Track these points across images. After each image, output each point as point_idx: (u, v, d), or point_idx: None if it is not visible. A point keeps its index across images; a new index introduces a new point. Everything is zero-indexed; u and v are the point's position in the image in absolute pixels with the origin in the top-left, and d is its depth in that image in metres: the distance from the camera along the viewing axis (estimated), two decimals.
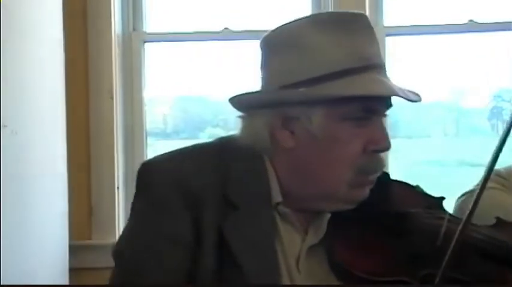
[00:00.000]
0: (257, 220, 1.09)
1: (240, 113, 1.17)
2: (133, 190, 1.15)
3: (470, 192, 1.43)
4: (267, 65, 1.16)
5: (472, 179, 1.43)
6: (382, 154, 1.13)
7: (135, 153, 2.41)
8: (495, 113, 2.63)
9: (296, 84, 1.09)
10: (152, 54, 2.48)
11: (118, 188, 2.34)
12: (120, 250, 1.12)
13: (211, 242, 1.06)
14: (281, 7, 2.41)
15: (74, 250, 2.18)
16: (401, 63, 2.37)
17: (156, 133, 2.60)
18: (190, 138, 2.64)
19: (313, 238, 1.14)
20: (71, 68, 2.18)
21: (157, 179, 1.10)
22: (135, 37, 2.43)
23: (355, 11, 1.13)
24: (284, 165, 1.13)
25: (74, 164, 2.20)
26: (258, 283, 1.05)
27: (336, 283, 1.09)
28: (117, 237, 2.30)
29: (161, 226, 1.08)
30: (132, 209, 1.14)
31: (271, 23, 1.20)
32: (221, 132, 2.61)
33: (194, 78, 2.53)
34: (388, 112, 1.16)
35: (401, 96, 1.09)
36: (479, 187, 1.08)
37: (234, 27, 2.41)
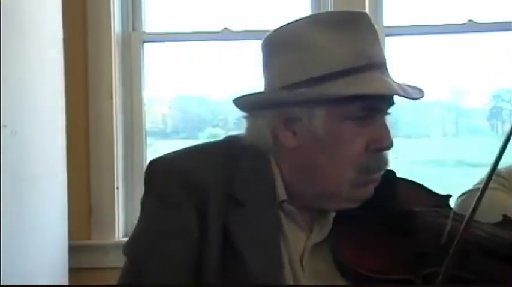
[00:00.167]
0: (262, 217, 1.10)
1: (244, 114, 1.18)
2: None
3: (470, 192, 1.42)
4: (268, 66, 1.16)
5: (472, 179, 1.43)
6: (385, 152, 1.13)
7: (134, 153, 2.41)
8: (495, 113, 2.63)
9: (297, 85, 1.09)
10: (151, 54, 2.47)
11: (117, 188, 2.33)
12: (131, 246, 1.13)
13: (217, 239, 1.07)
14: (281, 7, 2.41)
15: (74, 250, 2.17)
16: (401, 63, 2.36)
17: (155, 133, 2.60)
18: (189, 138, 2.64)
19: (317, 236, 1.14)
20: (70, 68, 2.18)
21: (165, 177, 1.11)
22: (134, 37, 2.43)
23: (356, 10, 1.12)
24: (288, 164, 1.14)
25: (73, 164, 2.19)
26: (260, 284, 1.05)
27: (340, 280, 1.09)
28: (116, 237, 2.32)
29: (169, 223, 1.09)
30: (142, 207, 1.16)
31: (271, 23, 1.20)
32: (221, 132, 2.61)
33: (194, 78, 2.53)
34: (390, 110, 1.15)
35: (403, 96, 1.08)
36: (481, 186, 1.07)
37: (234, 27, 2.41)
